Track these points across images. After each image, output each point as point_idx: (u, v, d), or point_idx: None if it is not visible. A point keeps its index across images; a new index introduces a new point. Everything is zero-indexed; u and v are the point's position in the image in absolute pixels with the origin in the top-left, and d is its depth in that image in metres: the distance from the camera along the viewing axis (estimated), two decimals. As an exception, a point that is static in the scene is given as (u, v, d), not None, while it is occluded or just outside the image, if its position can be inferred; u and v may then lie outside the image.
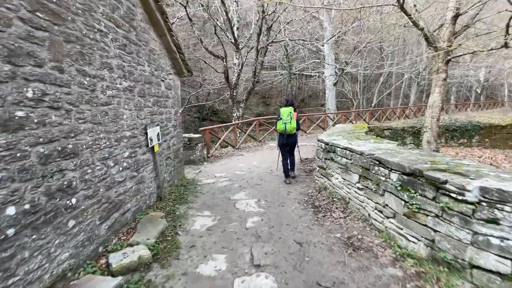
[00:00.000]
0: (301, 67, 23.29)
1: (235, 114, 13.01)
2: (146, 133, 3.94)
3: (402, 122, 10.64)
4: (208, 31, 19.31)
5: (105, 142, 2.94)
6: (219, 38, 11.53)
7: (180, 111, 5.75)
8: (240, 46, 12.70)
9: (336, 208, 3.74)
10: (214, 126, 8.88)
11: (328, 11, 19.77)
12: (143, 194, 3.88)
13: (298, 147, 5.58)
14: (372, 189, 3.10)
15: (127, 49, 3.45)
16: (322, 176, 4.77)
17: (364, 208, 3.29)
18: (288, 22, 15.98)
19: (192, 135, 7.91)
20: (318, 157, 4.98)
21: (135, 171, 3.63)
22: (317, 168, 5.02)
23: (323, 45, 20.31)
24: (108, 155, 2.99)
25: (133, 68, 3.60)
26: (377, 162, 2.96)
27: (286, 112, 5.06)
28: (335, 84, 20.20)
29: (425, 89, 25.55)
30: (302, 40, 12.99)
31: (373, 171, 3.04)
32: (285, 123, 5.04)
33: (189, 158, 7.61)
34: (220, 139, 8.95)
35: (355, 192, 3.49)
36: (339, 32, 18.73)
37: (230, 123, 9.45)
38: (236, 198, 4.66)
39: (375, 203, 3.03)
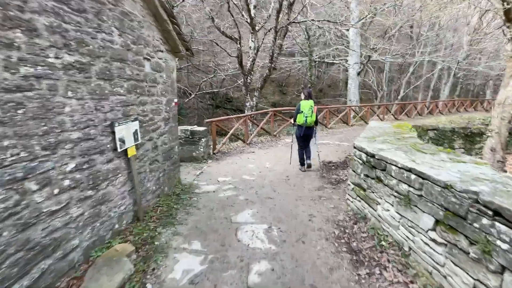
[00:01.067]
0: (323, 53, 21.35)
1: (248, 104, 11.68)
2: (113, 132, 2.75)
3: (448, 120, 8.89)
4: (224, 14, 17.79)
5: (17, 154, 1.76)
6: (233, 17, 10.07)
7: (176, 101, 4.52)
8: (257, 28, 11.19)
9: (388, 260, 2.41)
10: (222, 118, 7.64)
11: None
12: (107, 218, 2.73)
13: (316, 143, 5.81)
14: (468, 253, 1.76)
15: (74, 3, 2.20)
16: (359, 199, 3.41)
17: (446, 277, 1.95)
18: (311, 3, 14.18)
19: (195, 127, 6.71)
20: (354, 171, 3.60)
21: (90, 188, 2.47)
22: (351, 185, 3.66)
23: (348, 30, 18.34)
24: (24, 175, 1.82)
25: (87, 36, 2.36)
26: (491, 214, 1.60)
27: (307, 106, 5.08)
28: (359, 73, 18.34)
29: (459, 82, 22.84)
30: (327, 21, 11.23)
31: (476, 224, 1.69)
32: (306, 117, 5.08)
33: (191, 154, 6.46)
34: (229, 132, 7.71)
35: (426, 244, 2.14)
36: (369, 14, 16.69)
37: (241, 115, 8.16)
38: (240, 221, 3.44)
39: (476, 280, 1.70)
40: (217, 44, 11.00)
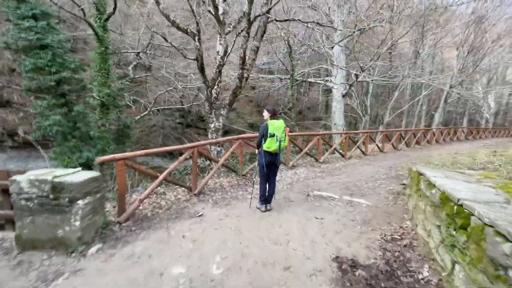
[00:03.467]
0: (305, 72, 19.05)
1: (212, 125, 8.39)
2: None
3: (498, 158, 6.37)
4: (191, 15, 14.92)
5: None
6: (191, 7, 6.95)
7: None
8: (227, 28, 8.22)
9: None
10: (140, 152, 4.15)
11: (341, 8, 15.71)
12: None
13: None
14: None
15: None
16: None
17: None
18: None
19: (68, 177, 3.15)
20: None
21: None
22: None
23: (332, 47, 16.17)
24: None
25: None
26: None
27: (279, 127, 3.99)
28: (344, 96, 16.01)
29: (446, 108, 21.35)
30: (313, 22, 8.54)
31: None
32: (280, 141, 3.97)
33: (52, 234, 2.90)
34: (158, 176, 4.24)
35: None
36: (356, 29, 14.53)
37: (187, 145, 4.78)
38: None
39: None
40: (165, 39, 7.71)
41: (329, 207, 4.44)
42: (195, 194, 4.74)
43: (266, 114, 4.09)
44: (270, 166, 4.14)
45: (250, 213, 4.16)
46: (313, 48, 16.75)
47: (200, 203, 4.49)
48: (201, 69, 7.49)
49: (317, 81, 18.50)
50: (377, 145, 10.04)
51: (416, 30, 15.42)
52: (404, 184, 5.35)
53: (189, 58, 7.69)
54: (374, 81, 16.93)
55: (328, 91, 29.14)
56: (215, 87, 8.39)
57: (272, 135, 3.93)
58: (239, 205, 4.50)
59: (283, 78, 18.32)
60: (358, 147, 9.08)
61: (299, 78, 18.68)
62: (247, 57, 7.29)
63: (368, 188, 5.48)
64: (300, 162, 7.65)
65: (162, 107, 14.89)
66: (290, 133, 6.88)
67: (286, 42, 14.65)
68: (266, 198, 4.24)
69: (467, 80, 15.18)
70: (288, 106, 29.29)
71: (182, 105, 18.73)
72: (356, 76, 14.66)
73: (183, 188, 4.92)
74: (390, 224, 3.71)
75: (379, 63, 16.13)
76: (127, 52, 12.61)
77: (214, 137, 8.39)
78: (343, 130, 15.81)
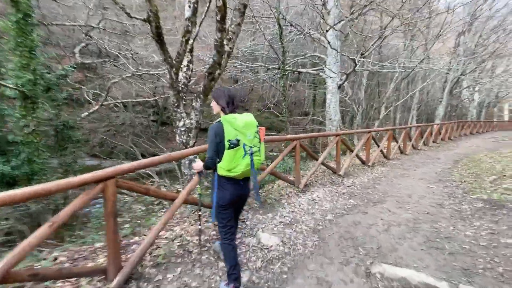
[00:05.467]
0: (296, 61, 16.59)
1: (181, 123, 5.64)
2: None
3: None
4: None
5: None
6: None
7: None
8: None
9: None
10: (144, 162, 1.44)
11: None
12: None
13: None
14: None
15: None
16: None
17: None
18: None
19: None
20: None
21: None
22: None
23: (327, 31, 13.75)
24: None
25: None
26: None
27: (248, 127, 2.06)
28: (339, 87, 13.75)
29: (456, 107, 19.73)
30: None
31: None
32: (253, 153, 2.04)
33: None
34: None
35: None
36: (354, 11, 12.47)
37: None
38: None
39: None
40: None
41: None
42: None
43: (215, 106, 2.23)
44: (238, 204, 2.29)
45: None
46: (304, 33, 14.21)
47: None
48: (158, 37, 4.67)
49: (309, 71, 16.09)
50: (399, 146, 7.78)
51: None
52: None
53: (136, 18, 4.79)
54: (372, 70, 14.80)
55: (315, 84, 26.95)
56: (184, 68, 5.64)
57: (235, 145, 1.97)
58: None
59: (270, 67, 15.72)
60: (381, 151, 6.71)
61: (289, 68, 16.18)
62: (228, 16, 4.58)
63: (464, 240, 3.05)
64: (312, 177, 5.17)
65: (121, 100, 11.71)
66: (293, 136, 4.34)
67: (276, 20, 12.01)
68: (235, 274, 2.14)
69: (473, 67, 13.51)
70: (275, 100, 26.64)
71: (155, 97, 15.58)
72: (354, 62, 12.17)
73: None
74: None
75: (376, 49, 14.01)
76: (63, 24, 9.31)
77: (184, 140, 5.67)
78: (339, 127, 13.51)
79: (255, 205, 3.76)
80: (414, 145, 8.84)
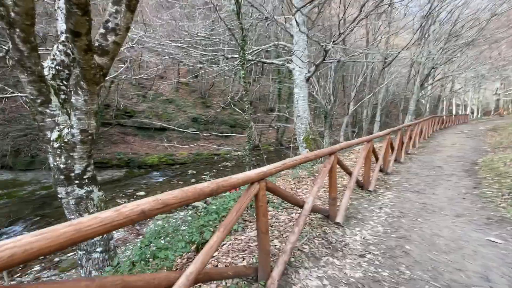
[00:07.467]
0: (258, 50, 14.56)
1: (53, 135, 3.13)
2: None
3: None
4: None
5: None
6: None
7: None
8: None
9: None
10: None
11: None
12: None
13: None
14: None
15: None
16: None
17: None
18: None
19: None
20: None
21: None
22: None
23: (294, 14, 11.91)
24: None
25: None
26: None
27: None
28: (307, 80, 12.07)
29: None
30: None
31: None
32: None
33: None
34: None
35: None
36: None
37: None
38: None
39: None
40: None
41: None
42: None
43: None
44: None
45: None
46: (268, 16, 12.12)
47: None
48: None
49: (275, 62, 14.17)
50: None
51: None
52: None
53: None
54: (344, 60, 13.36)
55: (280, 78, 25.28)
56: (62, 36, 3.20)
57: None
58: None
59: (230, 56, 13.42)
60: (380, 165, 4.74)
61: (251, 58, 14.02)
62: None
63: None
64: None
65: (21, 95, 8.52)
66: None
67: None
68: None
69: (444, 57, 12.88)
70: (238, 96, 24.27)
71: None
72: (325, 50, 10.38)
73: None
74: None
75: (340, 42, 12.56)
76: None
77: (63, 164, 3.22)
78: (309, 125, 11.83)
79: None
80: (406, 150, 7.28)
